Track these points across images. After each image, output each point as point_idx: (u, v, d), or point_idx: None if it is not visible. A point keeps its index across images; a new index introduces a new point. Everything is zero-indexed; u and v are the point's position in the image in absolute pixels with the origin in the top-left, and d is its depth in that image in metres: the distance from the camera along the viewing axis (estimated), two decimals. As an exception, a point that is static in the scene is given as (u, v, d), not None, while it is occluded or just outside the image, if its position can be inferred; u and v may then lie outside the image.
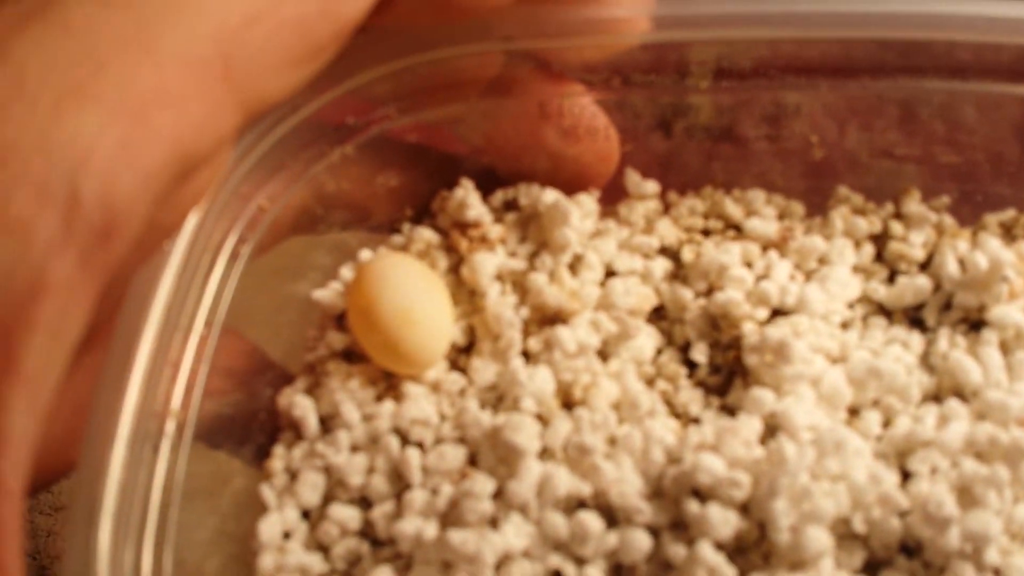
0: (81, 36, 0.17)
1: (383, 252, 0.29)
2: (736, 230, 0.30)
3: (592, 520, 0.24)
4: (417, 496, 0.25)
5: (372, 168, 0.29)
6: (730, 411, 0.27)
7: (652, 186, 0.30)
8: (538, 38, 0.26)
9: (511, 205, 0.30)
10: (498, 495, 0.25)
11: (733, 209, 0.30)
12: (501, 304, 0.28)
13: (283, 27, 0.20)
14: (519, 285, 0.29)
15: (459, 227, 0.29)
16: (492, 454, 0.25)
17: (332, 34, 0.21)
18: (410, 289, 0.26)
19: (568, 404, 0.27)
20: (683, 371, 0.28)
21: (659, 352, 0.28)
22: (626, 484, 0.24)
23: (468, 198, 0.29)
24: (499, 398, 0.27)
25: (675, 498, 0.24)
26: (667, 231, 0.29)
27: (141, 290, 0.23)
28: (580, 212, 0.28)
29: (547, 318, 0.28)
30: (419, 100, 0.28)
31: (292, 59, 0.21)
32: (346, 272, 0.29)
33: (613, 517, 0.24)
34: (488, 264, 0.28)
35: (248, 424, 0.27)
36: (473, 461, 0.26)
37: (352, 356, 0.29)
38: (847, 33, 0.26)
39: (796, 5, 0.25)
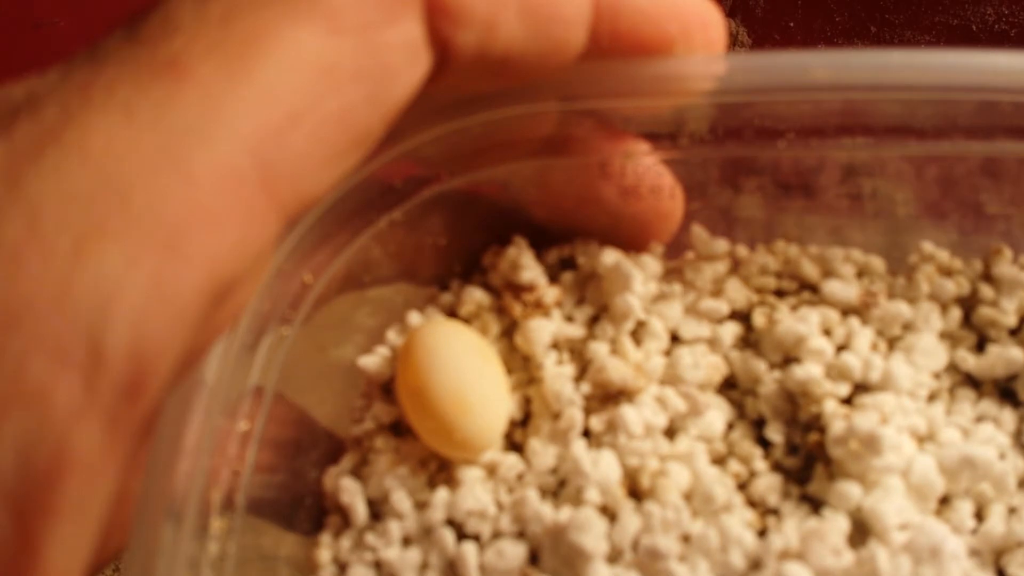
0: (103, 161, 0.15)
1: (434, 318, 0.27)
2: (812, 291, 0.28)
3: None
4: (475, 598, 0.23)
5: (420, 231, 0.27)
6: (811, 502, 0.25)
7: (722, 244, 0.28)
8: (598, 97, 0.24)
9: (567, 263, 0.28)
10: (564, 600, 0.23)
11: (809, 269, 0.27)
12: (559, 378, 0.26)
13: (327, 122, 0.18)
14: (577, 354, 0.27)
15: (512, 289, 0.27)
16: (555, 553, 0.24)
17: (380, 120, 0.19)
18: (465, 368, 0.24)
19: (634, 493, 0.25)
20: (758, 451, 0.26)
21: (730, 427, 0.26)
22: (700, 593, 0.23)
23: (522, 258, 0.27)
24: (560, 483, 0.25)
25: (754, 604, 0.23)
26: (737, 293, 0.27)
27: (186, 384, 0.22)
28: (643, 275, 0.26)
29: (610, 394, 0.26)
30: (471, 161, 0.25)
31: (337, 153, 0.18)
32: (393, 336, 0.27)
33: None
34: (544, 331, 0.26)
35: (294, 509, 0.26)
36: (534, 558, 0.24)
37: (400, 429, 0.27)
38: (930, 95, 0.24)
39: (883, 70, 0.23)
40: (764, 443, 0.26)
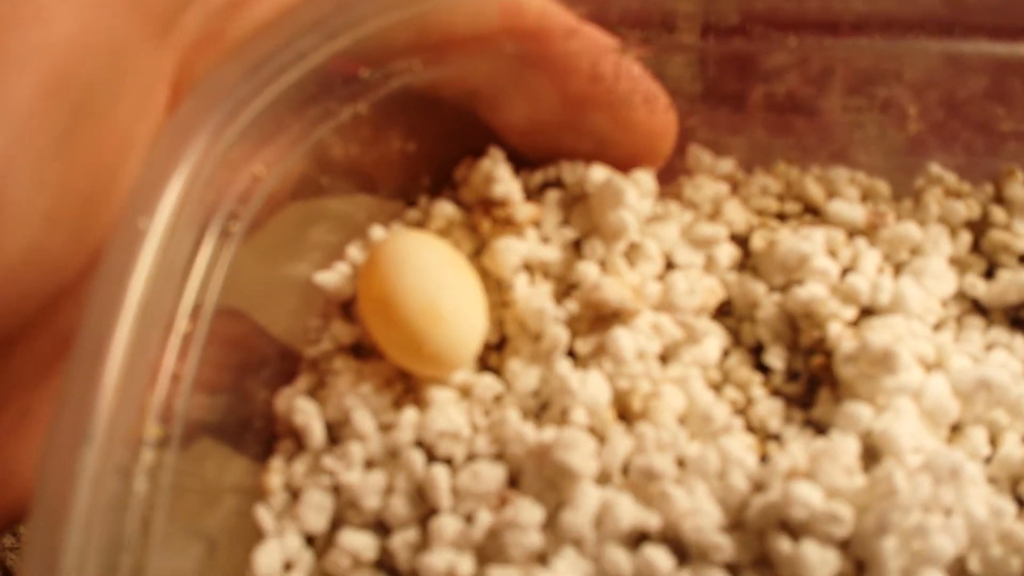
0: None
1: (400, 230, 0.25)
2: (814, 214, 0.26)
3: (661, 557, 0.20)
4: (447, 524, 0.21)
5: (387, 130, 0.25)
6: (816, 427, 0.23)
7: (725, 164, 0.26)
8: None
9: (551, 185, 0.26)
10: (546, 526, 0.20)
11: (813, 189, 0.25)
12: (537, 296, 0.23)
13: None
14: (553, 277, 0.24)
15: (483, 205, 0.25)
16: (538, 476, 0.21)
17: None
18: (437, 276, 0.22)
19: (625, 417, 0.22)
20: (756, 378, 0.24)
21: (725, 354, 0.24)
22: (702, 515, 0.20)
23: (496, 170, 0.25)
24: (542, 407, 0.23)
25: (759, 532, 0.20)
26: (736, 215, 0.25)
27: (111, 281, 0.19)
28: (637, 191, 0.24)
29: (601, 317, 0.23)
30: (446, 51, 0.23)
31: None
32: (355, 252, 0.25)
33: (685, 553, 0.20)
34: (512, 252, 0.24)
35: (240, 432, 0.23)
36: (513, 482, 0.21)
37: (362, 351, 0.24)
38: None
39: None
40: (762, 370, 0.24)
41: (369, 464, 0.22)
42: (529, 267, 0.24)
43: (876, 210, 0.25)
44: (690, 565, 0.20)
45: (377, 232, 0.25)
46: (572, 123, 0.25)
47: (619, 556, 0.20)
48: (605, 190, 0.24)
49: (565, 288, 0.24)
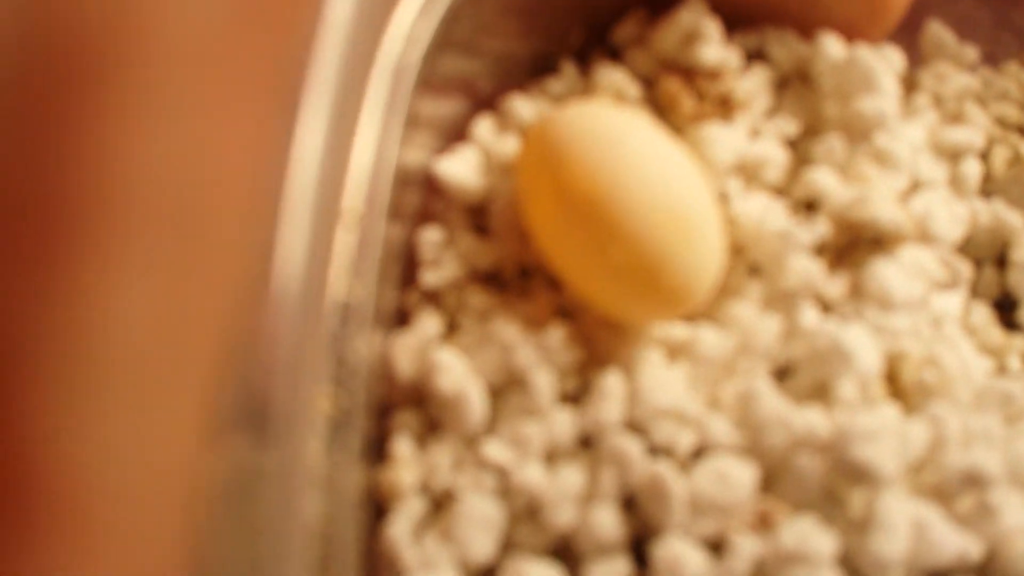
0: None
1: (587, 101, 0.17)
2: (1050, 131, 0.20)
3: (978, 598, 0.14)
4: (681, 553, 0.14)
5: None
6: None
7: (970, 52, 0.19)
8: None
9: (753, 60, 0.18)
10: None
11: (1065, 99, 0.20)
12: (769, 212, 0.17)
13: None
14: (777, 188, 0.17)
15: (684, 74, 0.17)
16: (807, 480, 0.14)
17: None
18: (674, 170, 0.14)
19: (895, 391, 0.16)
20: (1016, 342, 0.18)
21: (959, 307, 0.18)
22: (1032, 538, 0.14)
23: (703, 26, 0.17)
24: (780, 374, 0.16)
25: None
26: (979, 121, 0.19)
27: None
28: (892, 73, 0.17)
29: (852, 246, 0.17)
30: None
31: None
32: (485, 131, 0.17)
33: (1005, 592, 0.15)
34: (726, 143, 0.17)
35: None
36: (767, 487, 0.15)
37: (501, 281, 0.16)
38: None
39: None
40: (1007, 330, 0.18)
41: (552, 456, 0.15)
42: (744, 169, 0.17)
43: None
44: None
45: (519, 105, 0.17)
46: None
47: (932, 600, 0.14)
48: (848, 70, 0.17)
49: (792, 204, 0.17)
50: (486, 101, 0.17)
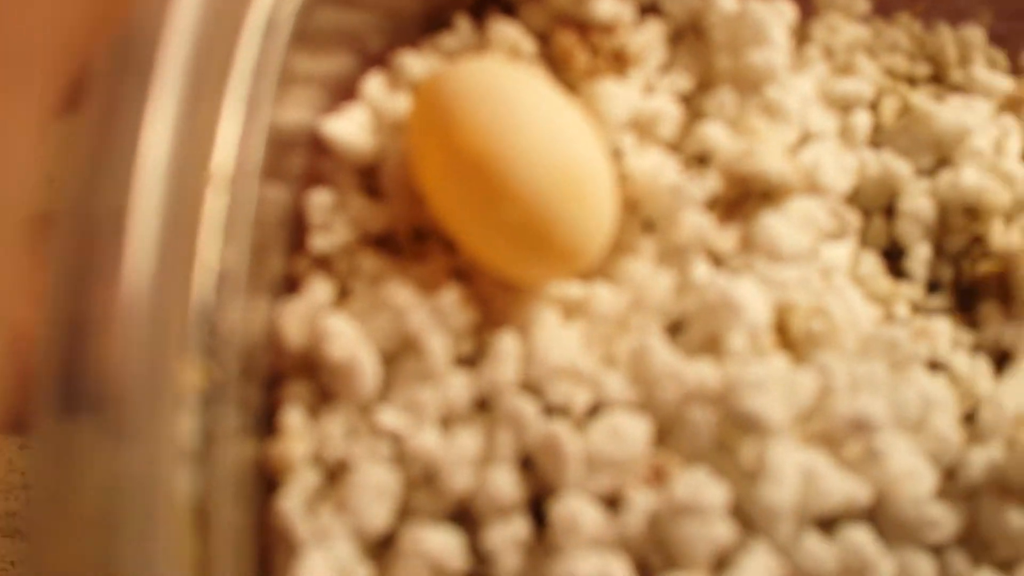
0: None
1: (476, 57, 0.16)
2: (937, 82, 0.20)
3: (868, 542, 0.15)
4: (582, 511, 0.14)
5: None
6: (991, 353, 0.18)
7: (861, 3, 0.19)
8: None
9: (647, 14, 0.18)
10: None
11: (949, 50, 0.20)
12: (661, 168, 0.17)
13: None
14: (671, 144, 0.17)
15: (578, 28, 0.17)
16: (699, 432, 0.15)
17: None
18: (564, 126, 0.14)
19: (785, 342, 0.16)
20: (903, 290, 0.18)
21: (848, 256, 0.19)
22: (917, 481, 0.15)
23: (595, -19, 0.17)
24: (673, 329, 0.16)
25: (969, 499, 0.15)
26: (869, 72, 0.19)
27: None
28: (782, 25, 0.17)
29: (740, 200, 0.17)
30: None
31: None
32: (375, 89, 0.16)
33: (890, 532, 0.15)
34: (619, 101, 0.17)
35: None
36: (661, 440, 0.15)
37: (392, 244, 0.16)
38: None
39: None
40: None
41: (447, 421, 0.14)
42: (638, 124, 0.17)
43: (1023, 84, 0.20)
44: (894, 548, 0.15)
45: (410, 62, 0.17)
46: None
47: (820, 548, 0.14)
48: (740, 23, 0.17)
49: (684, 159, 0.17)
50: (377, 58, 0.17)
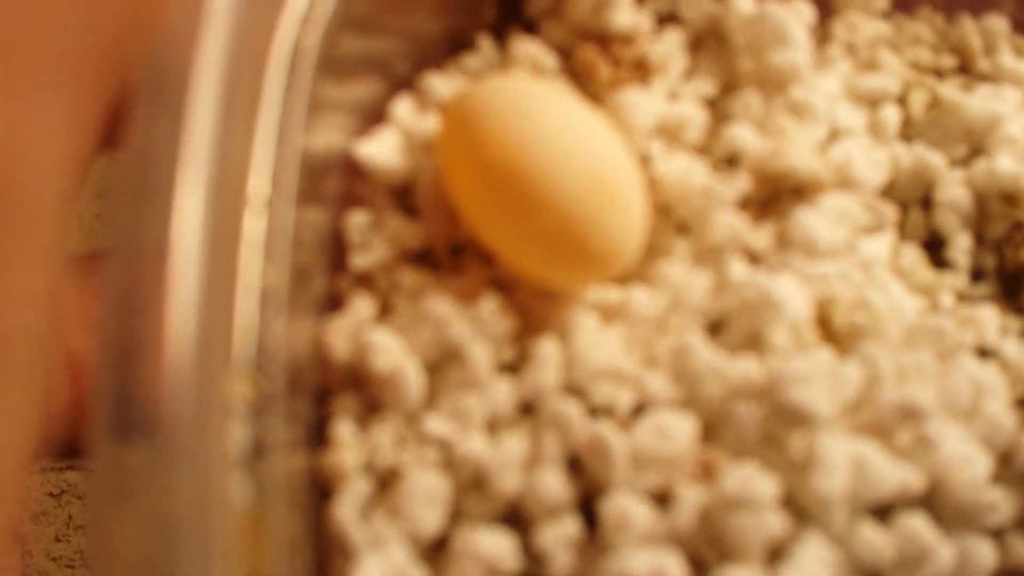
0: None
1: (501, 75, 0.17)
2: (964, 73, 0.21)
3: (925, 528, 0.14)
4: (632, 508, 0.14)
5: None
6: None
7: (881, 1, 0.20)
8: None
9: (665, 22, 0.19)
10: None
11: (974, 41, 0.20)
12: (691, 171, 0.17)
13: None
14: (700, 148, 0.18)
15: (599, 42, 0.17)
16: (746, 427, 0.15)
17: None
18: (590, 136, 0.15)
19: (828, 336, 0.16)
20: (946, 279, 0.18)
21: (888, 250, 0.19)
22: (969, 465, 0.15)
23: (613, -5, 0.17)
24: (713, 328, 0.16)
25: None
26: (894, 67, 0.19)
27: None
28: (802, 25, 0.18)
29: (773, 198, 0.17)
30: None
31: None
32: (404, 112, 0.17)
33: (942, 518, 0.15)
34: (643, 109, 0.17)
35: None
36: (708, 439, 0.15)
37: (432, 259, 0.16)
38: None
39: None
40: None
41: (492, 426, 0.15)
42: (665, 131, 0.17)
43: (1054, 68, 0.20)
44: (949, 532, 0.15)
45: (436, 83, 0.17)
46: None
47: (876, 536, 0.14)
48: (760, 25, 0.17)
49: (713, 161, 0.17)
50: (404, 81, 0.17)
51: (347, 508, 0.14)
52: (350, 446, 0.14)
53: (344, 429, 0.14)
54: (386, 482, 0.14)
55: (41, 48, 0.09)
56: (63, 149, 0.09)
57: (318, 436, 0.14)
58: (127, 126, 0.12)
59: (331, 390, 0.15)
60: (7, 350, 0.09)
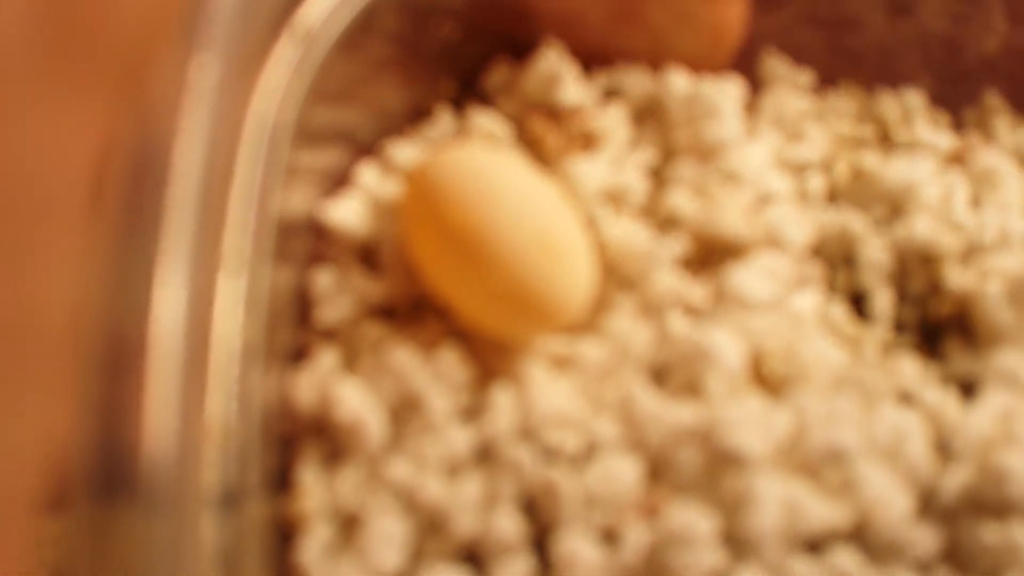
0: None
1: (463, 142, 0.18)
2: (884, 142, 0.22)
3: (850, 562, 0.15)
4: (579, 547, 0.15)
5: (392, 22, 0.18)
6: (960, 384, 0.19)
7: (806, 77, 0.21)
8: None
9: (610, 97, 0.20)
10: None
11: (892, 113, 0.22)
12: (634, 234, 0.18)
13: None
14: (642, 210, 0.19)
15: (548, 114, 0.19)
16: (686, 469, 0.16)
17: None
18: (538, 199, 0.16)
19: (761, 384, 0.18)
20: (871, 332, 0.20)
21: (816, 305, 0.20)
22: (893, 504, 0.16)
23: (561, 71, 0.19)
24: (656, 376, 0.17)
25: (949, 519, 0.16)
26: (818, 138, 0.21)
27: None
28: (732, 102, 0.19)
29: (707, 255, 0.18)
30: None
31: None
32: (370, 178, 0.18)
33: (874, 552, 0.16)
34: (590, 177, 0.18)
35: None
36: (655, 477, 0.16)
37: (392, 316, 0.17)
38: None
39: None
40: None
41: (451, 470, 0.16)
42: (610, 196, 0.19)
43: (967, 140, 0.22)
44: (877, 566, 0.16)
45: (400, 150, 0.18)
46: (626, 14, 0.20)
47: (808, 570, 0.15)
48: (694, 101, 0.19)
49: (656, 223, 0.19)
50: (367, 148, 0.18)
51: (311, 552, 0.15)
52: (314, 492, 0.15)
53: (307, 476, 0.15)
54: (349, 526, 0.15)
55: (63, 58, 0.09)
56: (85, 158, 0.10)
57: (282, 482, 0.15)
58: (111, 191, 0.13)
59: (296, 437, 0.16)
60: (34, 354, 0.09)
